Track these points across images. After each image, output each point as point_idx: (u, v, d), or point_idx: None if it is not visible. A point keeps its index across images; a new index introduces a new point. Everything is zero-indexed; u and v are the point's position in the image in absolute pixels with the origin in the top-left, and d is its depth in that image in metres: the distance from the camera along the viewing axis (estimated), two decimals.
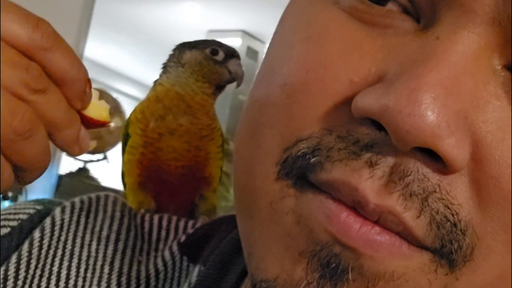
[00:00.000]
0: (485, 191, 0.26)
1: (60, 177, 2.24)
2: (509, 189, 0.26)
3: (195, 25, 3.39)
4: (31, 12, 0.28)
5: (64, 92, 0.29)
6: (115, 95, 2.37)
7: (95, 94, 0.31)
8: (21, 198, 2.01)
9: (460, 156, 0.25)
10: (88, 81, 0.30)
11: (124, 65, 4.65)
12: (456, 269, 0.27)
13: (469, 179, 0.26)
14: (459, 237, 0.26)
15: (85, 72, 0.29)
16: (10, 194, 1.96)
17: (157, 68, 0.73)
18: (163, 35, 3.64)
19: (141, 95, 4.67)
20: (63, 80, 0.28)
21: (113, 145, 2.25)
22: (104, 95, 2.03)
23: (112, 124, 2.04)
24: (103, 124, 0.31)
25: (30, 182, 0.30)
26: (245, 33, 3.40)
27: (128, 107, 2.09)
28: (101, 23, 2.75)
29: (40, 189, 1.99)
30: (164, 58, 0.73)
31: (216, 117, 0.69)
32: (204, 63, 0.68)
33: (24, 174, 0.29)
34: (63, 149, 0.30)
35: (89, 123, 0.31)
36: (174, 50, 0.71)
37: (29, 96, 0.27)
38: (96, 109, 0.31)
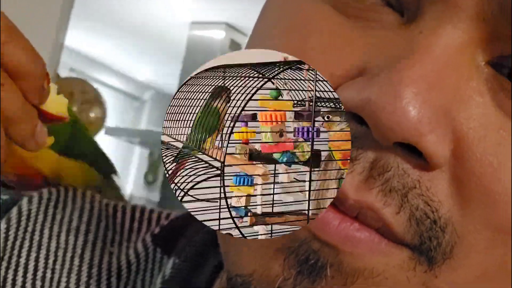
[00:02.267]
0: (467, 189, 0.26)
1: None
2: (490, 187, 0.25)
3: (178, 17, 3.37)
4: None
5: (20, 86, 0.27)
6: (96, 85, 2.35)
7: (53, 89, 0.30)
8: None
9: (441, 152, 0.25)
10: (47, 75, 0.29)
11: (106, 55, 4.62)
12: (435, 266, 0.27)
13: (450, 176, 0.26)
14: (439, 234, 0.26)
15: (43, 66, 0.28)
16: None
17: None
18: (145, 25, 3.62)
19: (123, 86, 4.64)
20: (19, 74, 0.27)
21: (93, 135, 2.23)
22: (84, 84, 2.01)
23: (92, 115, 2.02)
24: (61, 119, 0.30)
25: None
26: (229, 26, 3.38)
27: (109, 98, 2.07)
28: (83, 13, 2.72)
29: None
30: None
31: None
32: None
33: None
34: (18, 144, 0.29)
35: (47, 118, 0.30)
36: None
37: None
38: (54, 104, 0.30)
